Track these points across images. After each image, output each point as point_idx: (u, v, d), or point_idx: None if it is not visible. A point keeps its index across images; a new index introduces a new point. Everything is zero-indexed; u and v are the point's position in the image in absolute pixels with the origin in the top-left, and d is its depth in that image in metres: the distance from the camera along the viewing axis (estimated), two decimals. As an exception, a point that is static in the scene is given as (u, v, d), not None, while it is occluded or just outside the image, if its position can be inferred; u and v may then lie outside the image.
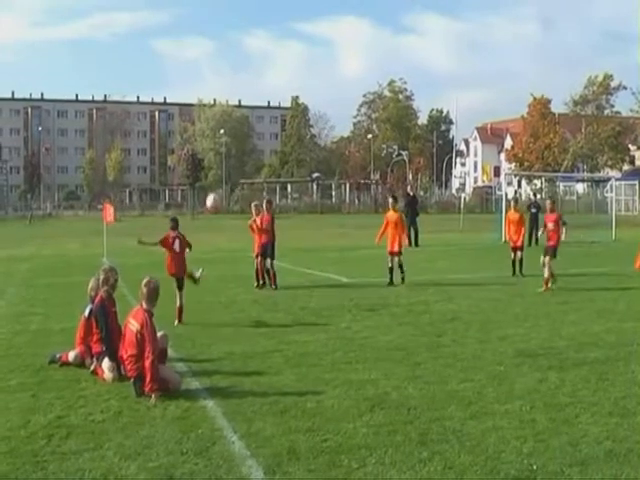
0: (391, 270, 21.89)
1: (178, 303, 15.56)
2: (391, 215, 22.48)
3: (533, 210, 35.84)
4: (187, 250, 16.47)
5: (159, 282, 10.90)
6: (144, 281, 10.73)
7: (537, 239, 31.20)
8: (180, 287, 15.87)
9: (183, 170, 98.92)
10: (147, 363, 9.99)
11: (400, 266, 21.88)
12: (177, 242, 16.24)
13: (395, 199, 23.85)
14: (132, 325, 10.41)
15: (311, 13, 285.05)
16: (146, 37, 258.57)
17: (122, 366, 10.70)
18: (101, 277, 11.88)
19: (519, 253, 24.08)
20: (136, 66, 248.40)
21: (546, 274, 20.33)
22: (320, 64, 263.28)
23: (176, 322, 15.20)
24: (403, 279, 21.71)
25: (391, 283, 21.66)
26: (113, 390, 10.36)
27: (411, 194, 42.12)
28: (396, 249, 21.94)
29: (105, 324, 11.37)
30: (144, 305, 10.54)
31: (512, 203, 26.80)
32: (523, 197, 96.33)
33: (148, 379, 9.92)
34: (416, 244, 36.21)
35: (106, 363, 11.00)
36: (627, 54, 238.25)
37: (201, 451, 7.91)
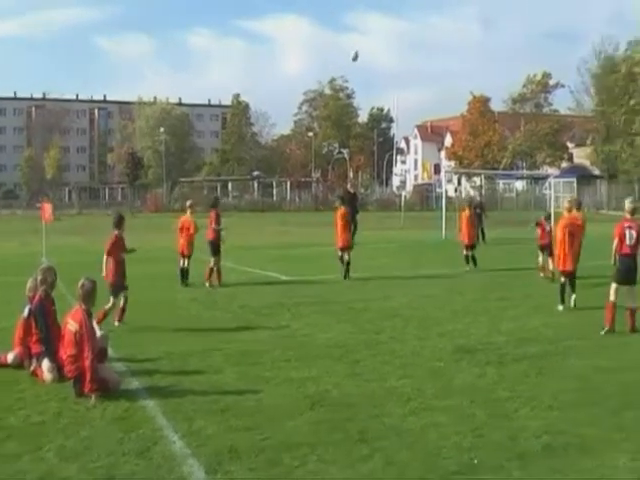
0: (341, 262, 22.83)
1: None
2: (340, 214, 23.30)
3: (477, 211, 35.96)
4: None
5: (96, 282, 10.78)
6: (80, 282, 10.62)
7: (484, 237, 32.23)
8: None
9: (123, 168, 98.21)
10: (86, 363, 9.90)
11: (348, 262, 22.66)
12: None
13: (342, 200, 25.18)
14: (71, 325, 10.29)
15: (253, 11, 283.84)
16: (86, 34, 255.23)
17: (61, 367, 10.57)
18: (39, 277, 11.74)
19: (471, 251, 25.48)
20: (75, 64, 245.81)
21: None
22: (261, 62, 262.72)
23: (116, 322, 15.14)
24: (348, 275, 22.53)
25: (345, 277, 22.53)
26: (52, 391, 10.24)
27: (352, 191, 42.29)
28: (346, 245, 22.91)
29: (44, 324, 11.24)
30: (82, 305, 10.43)
31: (466, 203, 29.22)
32: (463, 194, 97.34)
33: (87, 379, 9.82)
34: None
35: (46, 364, 10.86)
36: (565, 53, 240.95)
37: (142, 451, 7.85)
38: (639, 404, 9.30)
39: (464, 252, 25.69)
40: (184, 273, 21.76)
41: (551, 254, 21.80)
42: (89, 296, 10.53)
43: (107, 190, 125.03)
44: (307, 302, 18.02)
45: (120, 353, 12.30)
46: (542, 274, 22.95)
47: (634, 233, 14.44)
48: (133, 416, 9.07)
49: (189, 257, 21.87)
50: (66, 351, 10.30)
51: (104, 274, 15.17)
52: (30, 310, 11.63)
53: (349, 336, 13.88)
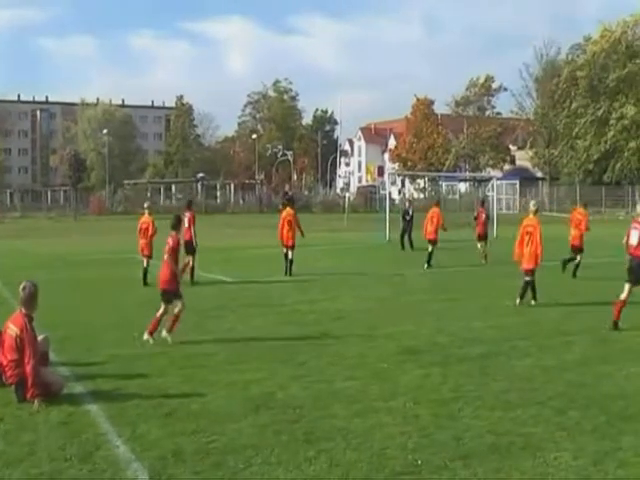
0: (285, 260, 24.21)
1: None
2: (286, 214, 24.90)
3: (407, 217, 35.98)
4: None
5: (37, 286, 10.62)
6: (21, 285, 10.48)
7: (411, 242, 33.75)
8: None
9: (65, 171, 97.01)
10: (28, 368, 9.77)
11: (291, 260, 24.04)
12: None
13: (290, 200, 28.65)
14: (11, 330, 10.15)
15: (197, 12, 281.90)
16: (27, 35, 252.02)
17: (2, 373, 10.41)
18: None
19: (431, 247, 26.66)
20: (17, 64, 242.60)
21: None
22: (205, 64, 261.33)
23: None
24: (290, 272, 23.87)
25: (286, 273, 23.84)
26: (-7, 397, 10.09)
27: (289, 193, 42.72)
28: (290, 243, 24.21)
29: None
30: (23, 310, 10.29)
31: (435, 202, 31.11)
32: (407, 196, 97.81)
33: (29, 384, 9.70)
34: None
35: None
36: (508, 56, 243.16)
37: (85, 456, 7.77)
38: (582, 403, 9.41)
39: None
40: (146, 274, 22.08)
41: (485, 240, 29.09)
42: (31, 300, 10.36)
43: (50, 193, 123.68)
44: (252, 304, 18.00)
45: (64, 357, 12.18)
46: (484, 261, 28.00)
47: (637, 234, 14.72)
48: (76, 421, 8.97)
49: (149, 257, 22.50)
50: (6, 356, 10.15)
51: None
52: None
53: (295, 338, 13.86)
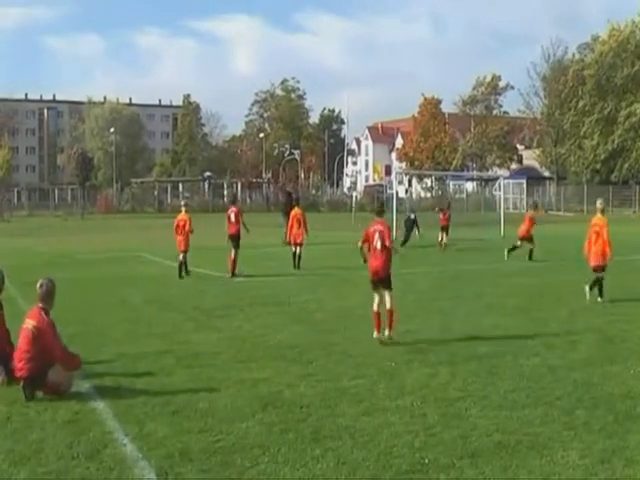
0: (293, 255, 25.69)
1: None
2: (294, 213, 26.54)
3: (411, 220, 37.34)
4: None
5: (54, 282, 10.68)
6: (38, 283, 10.57)
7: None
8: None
9: (72, 169, 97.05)
10: (57, 352, 10.13)
11: (299, 255, 25.59)
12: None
13: (297, 200, 29.65)
14: (27, 323, 10.24)
15: (203, 11, 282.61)
16: (35, 33, 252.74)
17: (14, 367, 10.44)
18: None
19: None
20: (24, 63, 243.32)
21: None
22: (212, 63, 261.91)
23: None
24: (299, 266, 25.44)
25: (295, 267, 25.39)
26: (1, 395, 10.11)
27: (291, 193, 43.20)
28: (299, 240, 25.76)
29: None
30: (40, 304, 10.38)
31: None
32: (414, 195, 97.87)
33: (64, 358, 10.21)
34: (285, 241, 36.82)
35: None
36: (516, 55, 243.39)
37: (92, 455, 7.78)
38: (589, 403, 9.40)
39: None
40: (181, 267, 23.43)
41: (447, 233, 35.20)
42: (48, 296, 10.51)
43: (57, 191, 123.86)
44: (260, 303, 18.02)
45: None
46: (439, 248, 33.89)
47: None
48: (84, 419, 8.99)
49: (186, 252, 23.80)
50: (21, 348, 10.19)
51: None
52: None
53: (302, 337, 13.88)
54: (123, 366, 11.66)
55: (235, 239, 23.89)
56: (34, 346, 10.03)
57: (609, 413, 8.96)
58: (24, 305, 16.29)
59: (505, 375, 10.87)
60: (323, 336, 13.91)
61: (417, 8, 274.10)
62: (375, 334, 13.28)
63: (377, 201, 14.80)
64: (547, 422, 8.67)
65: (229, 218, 24.47)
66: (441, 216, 36.01)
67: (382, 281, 13.72)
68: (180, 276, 23.15)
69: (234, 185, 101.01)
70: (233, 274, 23.32)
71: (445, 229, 35.87)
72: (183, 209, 25.27)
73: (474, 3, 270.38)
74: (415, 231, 36.28)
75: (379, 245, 13.63)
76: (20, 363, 10.12)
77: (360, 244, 14.12)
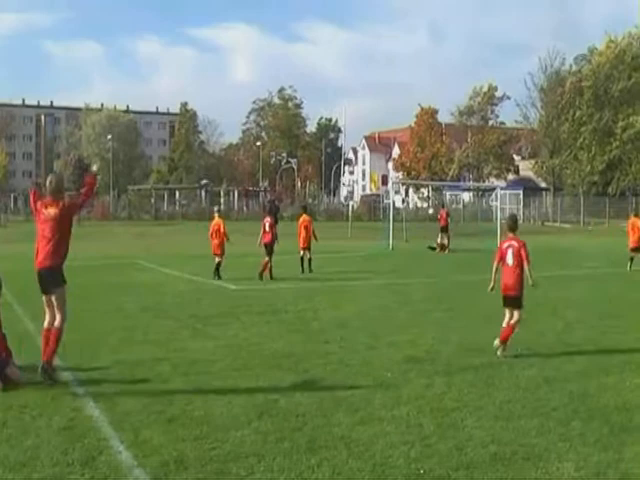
0: (301, 260, 27.27)
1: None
2: (302, 220, 28.22)
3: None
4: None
5: (62, 175, 11.30)
6: (48, 179, 11.37)
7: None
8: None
9: (69, 175, 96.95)
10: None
11: (309, 259, 27.26)
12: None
13: (305, 208, 31.34)
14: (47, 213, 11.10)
15: (202, 19, 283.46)
16: (33, 39, 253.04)
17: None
18: None
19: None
20: (22, 69, 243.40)
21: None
22: (210, 71, 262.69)
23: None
24: (310, 269, 27.16)
25: (303, 271, 26.97)
26: (-4, 400, 10.10)
27: (276, 203, 44.12)
28: (305, 245, 27.49)
29: None
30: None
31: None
32: (411, 206, 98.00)
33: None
34: None
35: None
36: (512, 65, 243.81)
37: (87, 461, 7.76)
38: (585, 414, 9.40)
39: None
40: (217, 269, 25.36)
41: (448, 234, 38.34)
42: (58, 190, 11.29)
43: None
44: (256, 311, 18.01)
45: (68, 362, 12.16)
46: (439, 251, 36.81)
47: None
48: (79, 426, 8.96)
49: (221, 256, 25.70)
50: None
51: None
52: None
53: (298, 345, 13.87)
54: (119, 373, 11.64)
55: (269, 247, 25.65)
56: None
57: (605, 425, 8.96)
58: (20, 310, 16.33)
59: (501, 386, 10.87)
60: (319, 345, 13.90)
61: (415, 19, 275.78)
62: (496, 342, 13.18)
63: (510, 217, 14.21)
64: (543, 433, 8.66)
65: (264, 227, 26.28)
66: (441, 214, 39.32)
67: (513, 300, 13.33)
68: (219, 277, 25.01)
69: (230, 193, 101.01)
70: (271, 277, 25.10)
71: (445, 230, 38.62)
72: (216, 215, 27.19)
73: (472, 14, 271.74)
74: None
75: (511, 262, 13.25)
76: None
77: (495, 264, 13.59)
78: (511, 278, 13.21)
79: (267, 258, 25.41)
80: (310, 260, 27.39)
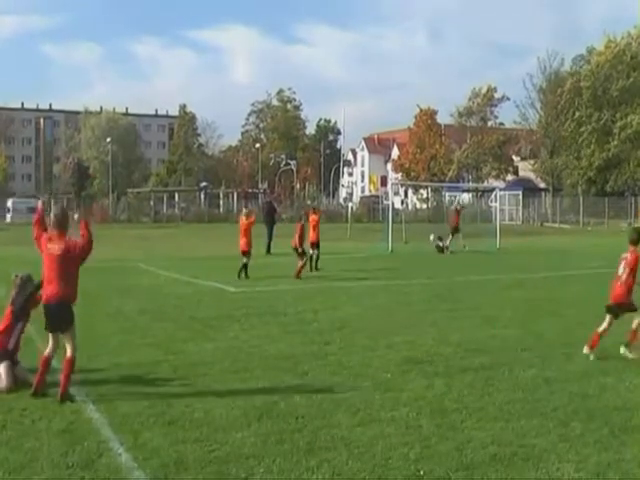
0: (311, 258, 28.09)
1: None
2: (312, 219, 29.18)
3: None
4: None
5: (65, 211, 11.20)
6: (52, 214, 11.09)
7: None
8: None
9: (68, 178, 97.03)
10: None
11: (317, 256, 28.52)
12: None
13: (314, 209, 31.72)
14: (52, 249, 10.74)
15: (201, 21, 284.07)
16: (31, 42, 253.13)
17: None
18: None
19: None
20: (21, 71, 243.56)
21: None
22: (209, 73, 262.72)
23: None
24: (317, 267, 28.53)
25: (311, 270, 27.91)
26: (-3, 403, 10.11)
27: (273, 204, 44.38)
28: (314, 241, 28.56)
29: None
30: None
31: None
32: (410, 207, 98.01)
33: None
34: (268, 251, 37.07)
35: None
36: (511, 66, 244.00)
37: (87, 464, 7.77)
38: (585, 415, 9.40)
39: None
40: (245, 268, 26.04)
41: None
42: (64, 223, 10.92)
43: (53, 200, 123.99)
44: (255, 313, 17.99)
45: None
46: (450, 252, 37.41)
47: None
48: (79, 428, 8.97)
49: (249, 254, 26.59)
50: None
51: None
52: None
53: (298, 347, 13.87)
54: (118, 375, 11.65)
55: (315, 246, 28.00)
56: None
57: (605, 425, 8.96)
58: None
59: (501, 387, 10.87)
60: (319, 347, 13.90)
61: (414, 20, 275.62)
62: (586, 350, 13.12)
63: (635, 230, 13.97)
64: (543, 434, 8.66)
65: (301, 228, 28.03)
66: (454, 216, 40.48)
67: (622, 307, 13.30)
68: (238, 277, 25.67)
69: (230, 195, 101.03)
70: (298, 275, 25.88)
71: (455, 230, 39.51)
72: (244, 217, 27.97)
73: (471, 15, 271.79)
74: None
75: (622, 273, 13.20)
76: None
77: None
78: (621, 288, 13.21)
79: (315, 251, 27.34)
80: (318, 258, 28.54)
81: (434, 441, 8.42)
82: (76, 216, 11.27)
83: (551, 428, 8.88)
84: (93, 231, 10.93)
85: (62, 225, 10.77)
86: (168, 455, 7.98)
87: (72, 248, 10.58)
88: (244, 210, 31.01)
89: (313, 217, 29.45)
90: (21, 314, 11.41)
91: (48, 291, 10.57)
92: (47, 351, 10.68)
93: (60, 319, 10.53)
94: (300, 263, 26.39)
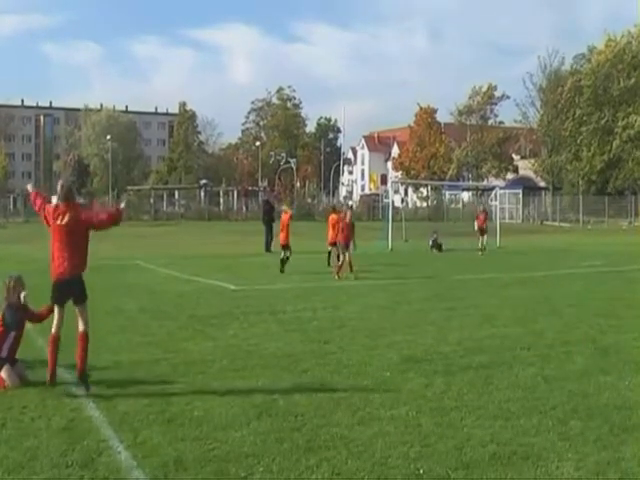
0: (329, 255, 29.28)
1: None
2: (332, 218, 29.46)
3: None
4: None
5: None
6: (59, 184, 11.14)
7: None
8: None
9: (69, 176, 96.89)
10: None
11: (329, 252, 29.32)
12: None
13: (334, 208, 33.68)
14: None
15: (201, 20, 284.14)
16: (32, 40, 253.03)
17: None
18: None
19: None
20: (21, 69, 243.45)
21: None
22: (209, 71, 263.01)
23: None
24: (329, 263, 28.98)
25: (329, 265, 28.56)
26: (-4, 401, 10.10)
27: (270, 202, 44.35)
28: (334, 241, 28.51)
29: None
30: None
31: None
32: (410, 205, 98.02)
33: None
34: (268, 249, 37.12)
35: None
36: (511, 65, 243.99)
37: (86, 462, 7.75)
38: (584, 413, 9.39)
39: None
40: (284, 262, 27.43)
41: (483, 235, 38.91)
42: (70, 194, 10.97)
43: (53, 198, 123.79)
44: (255, 312, 17.98)
45: (67, 362, 12.14)
46: (480, 253, 37.06)
47: None
48: (78, 427, 8.95)
49: (288, 248, 27.93)
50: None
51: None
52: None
53: (297, 346, 13.86)
54: (118, 374, 11.65)
55: (345, 246, 27.14)
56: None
57: (604, 424, 8.96)
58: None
59: (500, 385, 10.86)
60: (318, 345, 13.89)
61: (414, 19, 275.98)
62: None
63: None
64: (542, 432, 8.66)
65: (335, 226, 28.64)
66: (480, 218, 40.27)
67: None
68: (281, 271, 27.09)
69: (230, 193, 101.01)
70: (337, 274, 25.94)
71: (484, 231, 39.63)
72: (283, 215, 29.48)
73: (471, 14, 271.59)
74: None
75: None
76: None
77: None
78: None
79: (345, 254, 26.82)
80: (329, 255, 29.36)
81: (433, 440, 8.41)
82: (123, 204, 11.59)
83: (550, 427, 8.87)
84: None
85: (68, 196, 10.78)
86: (167, 453, 7.97)
87: (81, 218, 10.66)
88: (284, 207, 32.41)
89: (332, 217, 29.77)
90: (12, 325, 11.29)
91: (58, 264, 10.60)
92: (54, 329, 10.72)
93: (74, 291, 10.74)
94: (339, 261, 26.67)
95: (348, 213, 28.34)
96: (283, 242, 28.46)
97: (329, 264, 28.55)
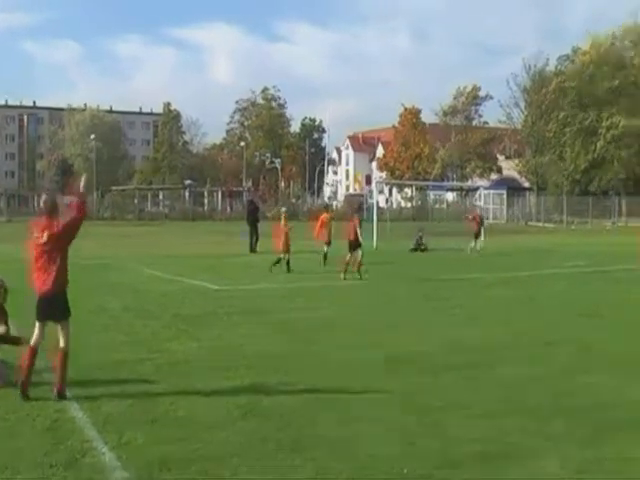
0: (325, 256, 29.19)
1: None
2: (324, 216, 30.13)
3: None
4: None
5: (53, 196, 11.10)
6: (42, 199, 10.87)
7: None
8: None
9: (52, 175, 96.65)
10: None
11: (325, 254, 29.33)
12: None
13: (326, 207, 34.53)
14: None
15: (183, 19, 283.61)
16: (14, 39, 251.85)
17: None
18: None
19: None
20: (3, 69, 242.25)
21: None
22: (193, 71, 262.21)
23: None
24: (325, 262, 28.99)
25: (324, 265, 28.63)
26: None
27: (255, 203, 44.37)
28: (327, 240, 29.44)
29: None
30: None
31: None
32: (394, 205, 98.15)
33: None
34: (253, 249, 37.03)
35: None
36: (494, 66, 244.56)
37: (70, 463, 7.72)
38: (568, 412, 9.42)
39: None
40: (287, 264, 27.44)
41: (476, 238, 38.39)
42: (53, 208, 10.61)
43: (36, 197, 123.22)
44: (240, 312, 17.95)
45: (49, 362, 12.09)
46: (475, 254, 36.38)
47: None
48: (62, 427, 8.92)
49: (288, 252, 27.68)
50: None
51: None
52: None
53: (282, 346, 13.85)
54: (102, 374, 11.61)
55: (353, 244, 26.63)
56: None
57: (588, 423, 8.99)
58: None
59: (485, 385, 10.89)
60: (303, 345, 13.89)
61: (398, 19, 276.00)
62: None
63: None
64: (527, 432, 8.68)
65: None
66: (473, 223, 39.56)
67: None
68: (288, 271, 27.14)
69: (214, 193, 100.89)
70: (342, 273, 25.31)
71: (479, 235, 39.08)
72: (283, 221, 29.03)
73: (456, 15, 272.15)
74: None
75: None
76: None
77: None
78: None
79: (357, 253, 26.71)
80: (325, 255, 29.29)
81: (417, 439, 8.41)
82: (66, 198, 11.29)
83: (535, 426, 8.90)
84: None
85: (51, 211, 10.52)
86: (152, 454, 7.94)
87: (59, 229, 10.36)
88: (283, 209, 33.51)
89: (324, 215, 30.30)
90: None
91: (40, 283, 10.40)
92: (33, 341, 10.50)
93: (56, 309, 10.58)
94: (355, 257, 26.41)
95: (356, 215, 28.15)
96: (326, 239, 29.43)
97: (324, 264, 28.70)
